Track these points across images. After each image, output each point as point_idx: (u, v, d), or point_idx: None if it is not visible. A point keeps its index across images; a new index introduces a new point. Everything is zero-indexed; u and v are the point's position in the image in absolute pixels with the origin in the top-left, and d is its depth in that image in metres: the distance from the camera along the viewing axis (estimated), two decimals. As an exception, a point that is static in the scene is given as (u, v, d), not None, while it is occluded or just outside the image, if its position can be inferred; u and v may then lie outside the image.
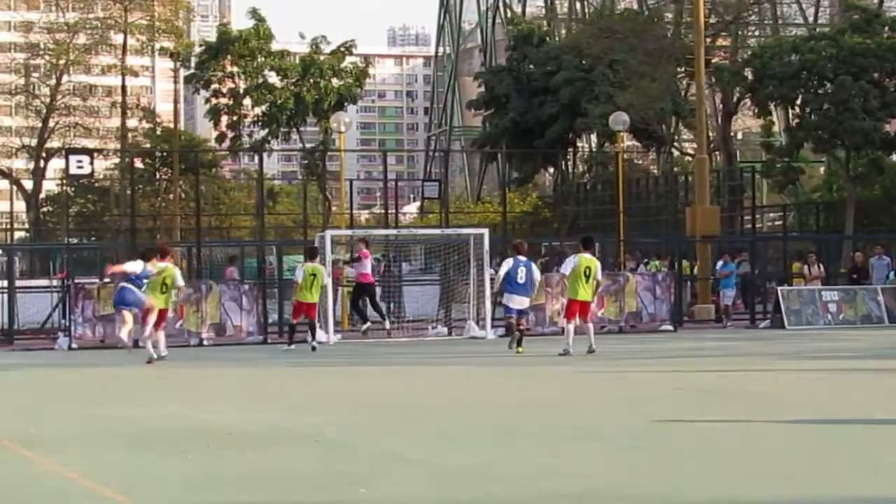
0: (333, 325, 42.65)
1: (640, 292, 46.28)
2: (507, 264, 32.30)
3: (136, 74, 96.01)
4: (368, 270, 41.09)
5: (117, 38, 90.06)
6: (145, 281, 32.01)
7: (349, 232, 53.08)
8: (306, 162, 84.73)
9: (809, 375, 25.64)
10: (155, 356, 31.56)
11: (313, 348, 35.18)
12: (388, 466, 14.46)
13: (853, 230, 59.94)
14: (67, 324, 41.99)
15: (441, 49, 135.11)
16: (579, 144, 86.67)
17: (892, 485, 12.54)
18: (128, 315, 32.10)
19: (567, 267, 26.38)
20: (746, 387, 21.72)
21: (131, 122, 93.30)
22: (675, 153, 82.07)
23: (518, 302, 31.69)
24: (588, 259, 26.77)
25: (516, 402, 20.88)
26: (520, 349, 31.57)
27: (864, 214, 60.63)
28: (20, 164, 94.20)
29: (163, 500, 12.09)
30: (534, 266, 32.94)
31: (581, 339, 30.71)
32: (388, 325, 39.92)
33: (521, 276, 31.54)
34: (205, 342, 40.74)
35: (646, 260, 53.77)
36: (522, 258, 32.02)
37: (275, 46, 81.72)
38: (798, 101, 61.74)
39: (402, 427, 17.98)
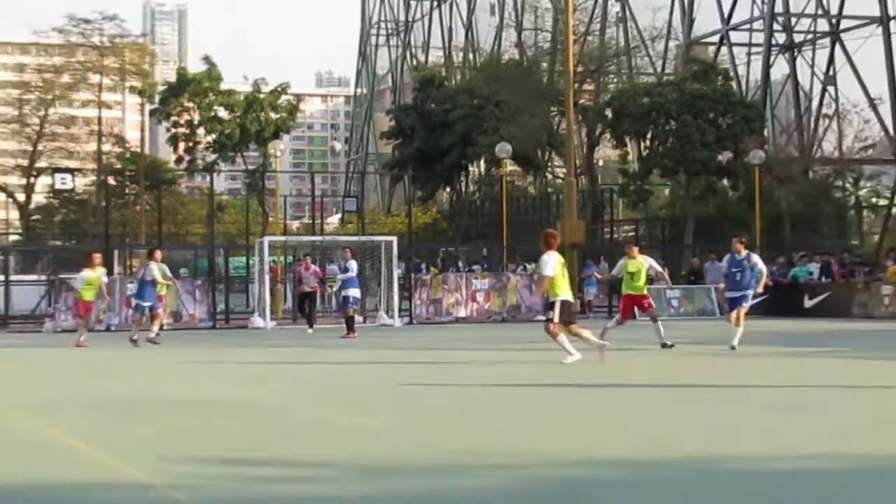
0: (270, 314, 42.66)
1: (520, 289, 46.56)
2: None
3: (109, 107, 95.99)
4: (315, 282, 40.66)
5: (94, 78, 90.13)
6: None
7: (283, 238, 53.05)
8: (248, 181, 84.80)
9: (653, 356, 25.75)
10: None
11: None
12: (314, 429, 14.42)
13: (692, 240, 60.32)
14: (52, 311, 41.96)
15: (359, 90, 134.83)
16: (471, 169, 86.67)
17: (717, 443, 12.58)
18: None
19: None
20: (606, 364, 21.74)
21: (105, 147, 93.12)
22: (549, 177, 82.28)
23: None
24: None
25: (426, 378, 20.81)
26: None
27: (700, 228, 60.99)
28: (14, 180, 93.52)
29: (134, 455, 11.99)
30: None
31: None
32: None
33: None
34: (164, 327, 40.55)
35: (524, 264, 53.81)
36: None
37: (223, 86, 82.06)
38: (648, 136, 62.09)
39: (327, 397, 17.93)
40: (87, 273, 33.92)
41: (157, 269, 32.59)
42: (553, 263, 23.24)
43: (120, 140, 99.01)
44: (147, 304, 32.62)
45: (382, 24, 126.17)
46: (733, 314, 26.90)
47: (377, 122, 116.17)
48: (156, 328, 32.41)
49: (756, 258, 27.86)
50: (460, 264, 57.81)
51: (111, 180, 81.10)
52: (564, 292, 23.29)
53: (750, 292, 27.32)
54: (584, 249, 55.19)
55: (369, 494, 10.07)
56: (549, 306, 23.23)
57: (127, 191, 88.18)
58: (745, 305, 27.14)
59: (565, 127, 60.04)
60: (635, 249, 29.41)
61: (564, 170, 63.11)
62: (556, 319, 22.51)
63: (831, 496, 9.79)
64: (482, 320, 44.51)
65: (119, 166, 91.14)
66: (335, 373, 22.67)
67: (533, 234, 57.78)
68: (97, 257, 35.50)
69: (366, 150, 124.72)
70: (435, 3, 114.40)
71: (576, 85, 62.67)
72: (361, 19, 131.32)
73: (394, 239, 45.71)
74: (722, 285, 29.36)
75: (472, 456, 12.03)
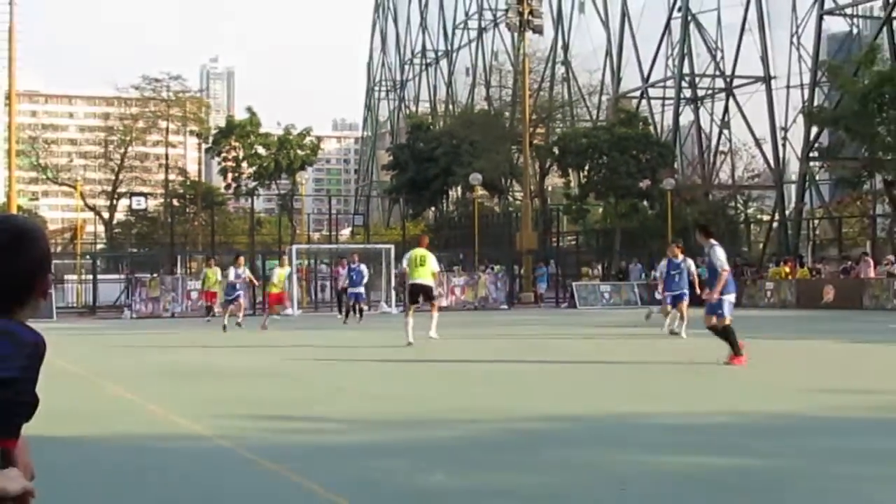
0: (297, 303, 42.63)
1: (488, 285, 46.62)
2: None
3: (174, 146, 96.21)
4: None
5: (163, 124, 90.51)
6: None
7: (307, 246, 53.03)
8: (281, 202, 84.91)
9: (589, 335, 25.78)
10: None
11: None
12: (333, 394, 14.41)
13: (619, 248, 60.41)
14: (130, 303, 41.83)
15: (365, 132, 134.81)
16: (451, 193, 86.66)
17: (642, 403, 12.59)
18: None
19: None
20: (547, 342, 21.71)
21: (171, 177, 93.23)
22: (510, 199, 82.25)
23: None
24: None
25: (414, 354, 20.79)
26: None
27: (626, 238, 60.97)
28: (101, 202, 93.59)
29: (193, 413, 11.97)
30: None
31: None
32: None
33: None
34: (216, 314, 40.48)
35: (492, 265, 53.81)
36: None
37: (261, 130, 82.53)
38: (586, 168, 62.13)
39: (343, 369, 17.91)
40: (277, 270, 34.37)
41: (238, 271, 32.59)
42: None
43: (182, 171, 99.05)
44: (230, 297, 32.43)
45: (383, 83, 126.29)
46: (670, 307, 25.76)
47: (379, 157, 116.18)
48: (240, 315, 32.29)
49: (690, 262, 26.66)
50: (442, 266, 57.76)
51: (175, 202, 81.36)
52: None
53: (687, 290, 25.51)
54: (536, 254, 55.44)
55: (374, 441, 10.11)
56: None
57: (187, 210, 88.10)
58: (685, 300, 25.46)
59: (523, 161, 60.14)
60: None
61: (522, 193, 63.16)
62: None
63: (727, 445, 9.79)
64: (459, 308, 44.53)
65: (181, 191, 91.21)
66: (349, 349, 22.64)
67: (498, 242, 58.05)
68: (284, 259, 36.43)
69: (370, 179, 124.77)
70: (423, 67, 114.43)
71: (531, 129, 62.78)
72: (367, 79, 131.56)
73: (392, 247, 45.81)
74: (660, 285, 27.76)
75: (453, 413, 12.08)
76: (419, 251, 23.17)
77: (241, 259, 34.69)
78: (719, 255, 17.32)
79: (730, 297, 17.33)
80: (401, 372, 17.12)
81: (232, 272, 32.71)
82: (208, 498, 7.86)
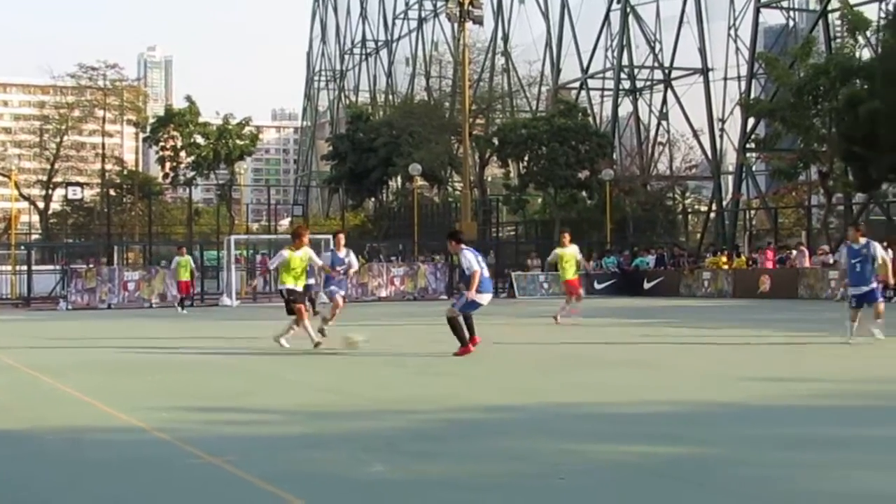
0: (235, 294, 42.44)
1: (427, 275, 46.61)
2: None
3: (111, 136, 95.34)
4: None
5: (99, 113, 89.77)
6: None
7: (245, 236, 52.85)
8: (219, 192, 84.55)
9: (528, 324, 25.87)
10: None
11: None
12: (273, 385, 14.35)
13: (558, 239, 60.53)
14: (65, 293, 41.45)
15: (305, 122, 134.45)
16: (390, 183, 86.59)
17: (576, 393, 12.64)
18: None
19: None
20: (486, 331, 21.72)
21: (107, 166, 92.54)
22: (450, 189, 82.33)
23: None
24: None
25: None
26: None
27: (565, 228, 61.16)
28: (35, 191, 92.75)
29: (129, 405, 11.86)
30: None
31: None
32: None
33: None
34: (153, 306, 40.32)
35: (432, 256, 53.84)
36: None
37: (200, 119, 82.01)
38: (526, 158, 62.25)
39: (280, 358, 17.82)
40: (177, 259, 34.53)
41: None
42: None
43: (119, 161, 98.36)
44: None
45: (323, 72, 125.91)
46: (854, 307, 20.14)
47: (318, 147, 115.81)
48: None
49: (876, 246, 23.68)
50: (381, 256, 57.73)
51: (112, 192, 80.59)
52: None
53: (875, 284, 20.39)
54: (475, 245, 55.38)
55: (314, 433, 10.10)
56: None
57: (124, 200, 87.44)
58: (878, 298, 20.54)
59: (463, 151, 60.15)
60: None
61: (461, 184, 63.19)
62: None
63: (664, 434, 9.85)
64: (398, 299, 44.53)
65: (118, 181, 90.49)
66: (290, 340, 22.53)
67: (437, 233, 57.99)
68: (183, 249, 36.25)
69: (310, 169, 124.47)
70: (363, 57, 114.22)
71: (471, 120, 62.76)
72: (307, 68, 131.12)
73: (331, 237, 45.55)
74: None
75: (393, 403, 12.07)
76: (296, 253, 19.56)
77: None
78: (469, 257, 17.45)
79: (480, 297, 17.46)
80: (341, 363, 17.06)
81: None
82: (145, 491, 7.79)
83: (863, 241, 19.25)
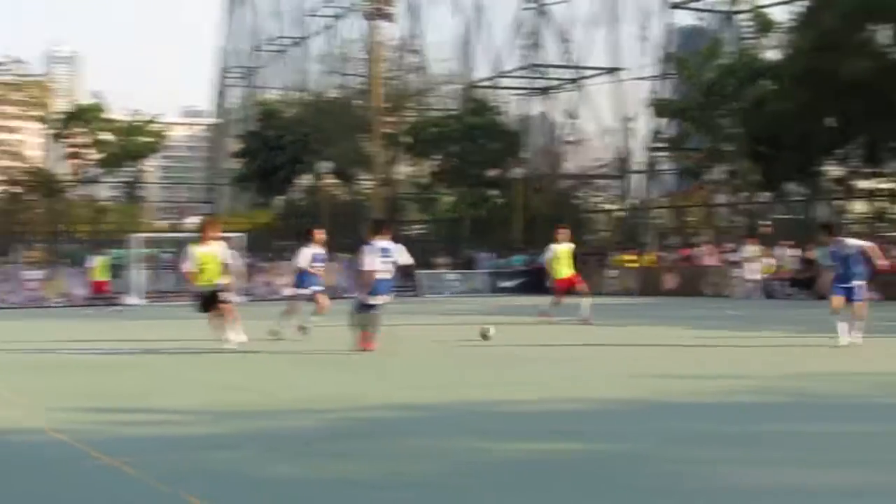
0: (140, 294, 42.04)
1: (335, 273, 46.49)
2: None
3: (14, 132, 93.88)
4: None
5: (2, 108, 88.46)
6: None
7: (152, 234, 52.31)
8: (127, 190, 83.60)
9: (437, 322, 25.88)
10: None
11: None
12: (177, 385, 14.18)
13: (468, 237, 60.71)
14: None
15: (215, 119, 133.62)
16: (301, 181, 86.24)
17: (496, 391, 12.63)
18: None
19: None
20: (394, 330, 21.68)
21: (11, 163, 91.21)
22: (360, 187, 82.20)
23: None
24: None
25: (265, 344, 20.54)
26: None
27: (475, 227, 61.33)
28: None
29: (27, 406, 11.66)
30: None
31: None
32: None
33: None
34: (55, 305, 39.81)
35: (340, 254, 53.67)
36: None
37: (108, 115, 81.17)
38: (436, 157, 62.33)
39: (187, 358, 17.64)
40: (96, 259, 34.13)
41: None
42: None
43: (23, 158, 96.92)
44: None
45: (234, 69, 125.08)
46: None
47: (228, 144, 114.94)
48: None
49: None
50: (290, 254, 57.37)
51: (14, 189, 79.40)
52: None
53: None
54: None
55: (218, 433, 9.98)
56: None
57: (27, 198, 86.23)
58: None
59: (374, 149, 60.05)
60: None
61: (373, 182, 63.09)
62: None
63: (566, 430, 9.87)
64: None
65: (21, 178, 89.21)
66: (193, 338, 22.28)
67: (347, 231, 57.81)
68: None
69: (219, 167, 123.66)
70: (274, 54, 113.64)
71: (382, 117, 62.68)
72: (217, 65, 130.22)
73: (244, 235, 45.26)
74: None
75: (299, 402, 12.00)
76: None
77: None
78: (366, 254, 17.73)
79: (373, 298, 17.61)
80: (249, 362, 16.92)
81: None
82: (39, 493, 7.62)
83: (842, 241, 18.41)
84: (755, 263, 39.59)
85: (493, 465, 8.28)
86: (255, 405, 11.80)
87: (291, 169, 78.58)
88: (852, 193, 48.22)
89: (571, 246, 26.44)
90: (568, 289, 25.87)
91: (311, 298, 21.75)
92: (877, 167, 44.71)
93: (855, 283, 17.76)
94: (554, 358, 16.88)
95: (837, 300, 17.79)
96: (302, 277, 21.71)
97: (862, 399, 12.20)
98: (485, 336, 19.57)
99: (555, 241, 26.34)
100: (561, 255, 25.95)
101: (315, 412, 11.20)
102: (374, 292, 17.54)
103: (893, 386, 13.39)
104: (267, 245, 62.09)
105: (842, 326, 17.57)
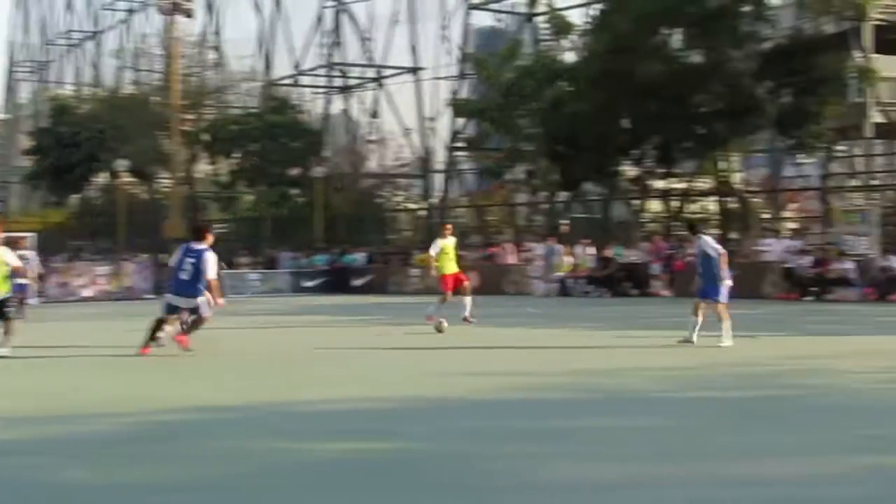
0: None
1: (132, 274, 45.61)
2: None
3: None
4: None
5: None
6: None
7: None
8: None
9: (239, 323, 25.64)
10: None
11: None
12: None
13: (269, 237, 60.32)
14: None
15: (5, 115, 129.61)
16: (96, 179, 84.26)
17: (286, 392, 12.59)
18: None
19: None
20: (199, 332, 21.33)
21: None
22: (159, 186, 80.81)
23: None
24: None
25: (57, 349, 20.01)
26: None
27: (276, 226, 60.94)
28: None
29: None
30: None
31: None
32: None
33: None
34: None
35: (136, 253, 52.70)
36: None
37: None
38: (237, 155, 61.83)
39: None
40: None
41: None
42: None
43: None
44: None
45: (24, 63, 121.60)
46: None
47: (20, 141, 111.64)
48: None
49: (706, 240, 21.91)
50: (86, 255, 56.12)
51: None
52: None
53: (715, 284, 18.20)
54: (185, 242, 54.61)
55: (9, 440, 9.71)
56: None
57: None
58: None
59: (172, 147, 59.11)
60: None
61: (172, 180, 62.15)
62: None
63: (366, 430, 9.91)
64: (103, 299, 43.31)
65: None
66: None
67: (145, 230, 56.82)
68: None
69: (10, 164, 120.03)
70: (67, 49, 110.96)
71: (181, 115, 61.77)
72: (7, 59, 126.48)
73: (35, 235, 43.97)
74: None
75: (95, 406, 11.85)
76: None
77: None
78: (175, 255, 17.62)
79: (173, 299, 17.48)
80: (41, 365, 16.48)
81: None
82: None
83: (703, 240, 18.04)
84: (555, 261, 40.36)
85: (292, 466, 8.30)
86: (46, 410, 11.55)
87: (88, 167, 76.62)
88: (648, 193, 49.54)
89: (455, 241, 25.38)
90: (455, 286, 24.70)
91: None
92: (670, 168, 46.04)
93: (716, 284, 17.54)
94: (352, 357, 16.93)
95: (698, 301, 17.73)
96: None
97: (653, 393, 12.56)
98: (439, 329, 21.05)
99: (441, 235, 25.27)
100: (448, 251, 24.78)
101: (113, 416, 11.02)
102: (173, 291, 17.34)
103: (691, 380, 13.80)
104: (61, 245, 60.52)
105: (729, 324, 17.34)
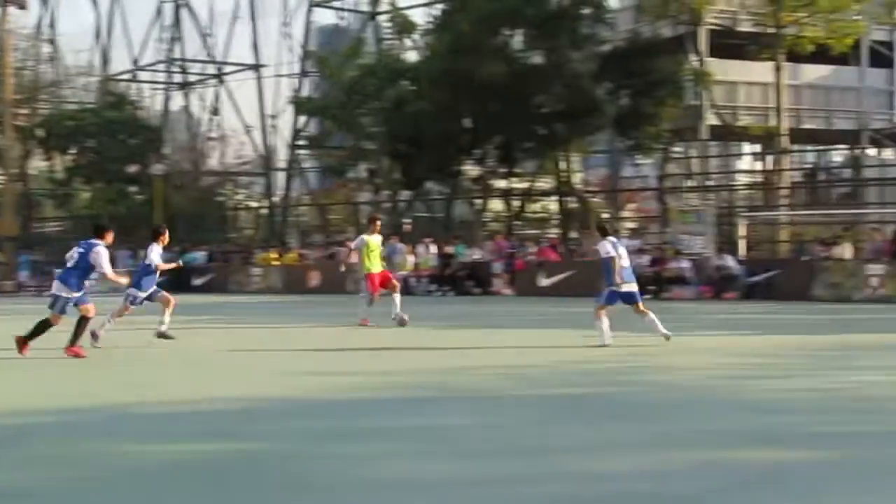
0: None
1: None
2: None
3: None
4: None
5: None
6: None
7: None
8: None
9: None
10: None
11: None
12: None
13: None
14: None
15: None
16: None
17: (130, 394, 12.39)
18: None
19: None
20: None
21: None
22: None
23: None
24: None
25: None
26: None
27: (114, 225, 59.80)
28: None
29: None
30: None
31: None
32: None
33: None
34: None
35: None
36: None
37: None
38: (73, 151, 60.63)
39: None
40: None
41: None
42: None
43: None
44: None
45: None
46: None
47: None
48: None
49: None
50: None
51: None
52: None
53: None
54: (18, 241, 53.45)
55: None
56: None
57: None
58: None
59: (5, 143, 57.64)
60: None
61: (5, 177, 60.58)
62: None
63: (215, 431, 9.82)
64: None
65: None
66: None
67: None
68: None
69: None
70: None
71: (13, 110, 60.31)
72: None
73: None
74: None
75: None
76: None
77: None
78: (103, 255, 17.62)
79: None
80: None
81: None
82: None
83: (604, 242, 17.53)
84: (397, 260, 40.45)
85: (126, 469, 8.19)
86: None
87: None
88: (490, 192, 50.05)
89: (381, 238, 24.12)
90: (383, 284, 23.26)
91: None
92: (512, 167, 46.58)
93: (635, 285, 17.25)
94: (195, 357, 16.77)
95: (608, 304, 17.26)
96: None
97: (497, 392, 12.69)
98: (402, 324, 21.76)
99: (369, 231, 23.78)
100: (374, 248, 23.31)
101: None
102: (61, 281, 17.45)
103: (527, 378, 13.99)
104: None
105: (604, 325, 17.04)
